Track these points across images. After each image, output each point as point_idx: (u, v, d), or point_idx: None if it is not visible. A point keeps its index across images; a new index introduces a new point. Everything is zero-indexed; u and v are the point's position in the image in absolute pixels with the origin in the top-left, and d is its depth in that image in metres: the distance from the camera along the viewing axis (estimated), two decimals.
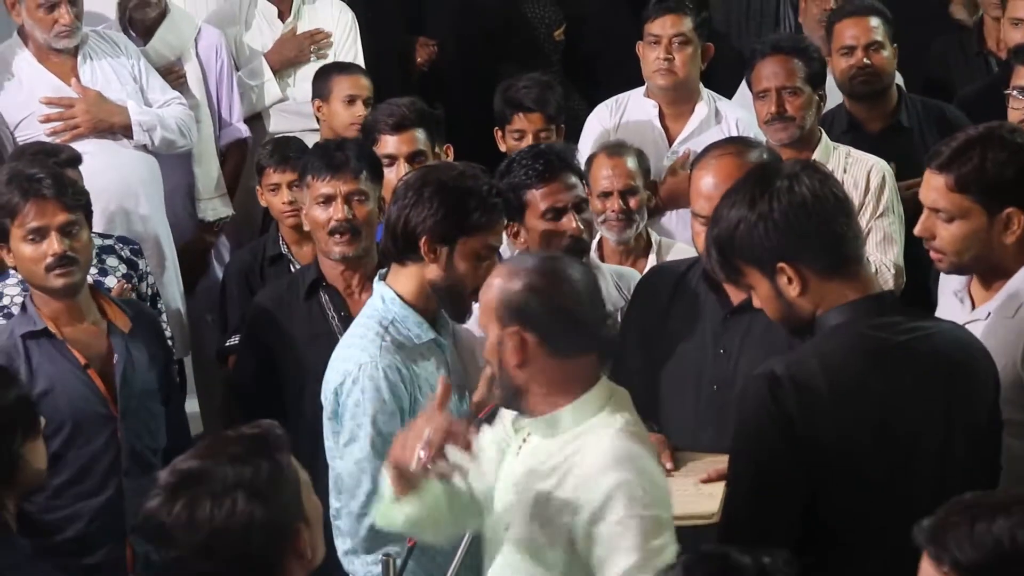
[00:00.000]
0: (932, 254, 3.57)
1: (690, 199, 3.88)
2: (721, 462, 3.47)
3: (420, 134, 4.98)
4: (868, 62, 5.53)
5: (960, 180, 3.45)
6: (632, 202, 4.88)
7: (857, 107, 5.63)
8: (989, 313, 3.52)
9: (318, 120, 5.95)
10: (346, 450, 3.75)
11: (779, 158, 3.89)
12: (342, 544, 3.82)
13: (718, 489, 3.42)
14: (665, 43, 5.53)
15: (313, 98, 5.97)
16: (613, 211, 4.86)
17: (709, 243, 3.25)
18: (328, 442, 3.83)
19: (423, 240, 3.75)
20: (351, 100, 5.83)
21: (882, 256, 4.89)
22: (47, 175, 4.20)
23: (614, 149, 5.00)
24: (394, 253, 3.84)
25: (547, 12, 7.06)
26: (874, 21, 5.59)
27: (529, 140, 5.34)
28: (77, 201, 4.22)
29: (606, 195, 4.88)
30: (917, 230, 3.59)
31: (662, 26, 5.54)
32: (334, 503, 3.82)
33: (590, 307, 3.15)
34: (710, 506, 3.39)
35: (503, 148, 5.46)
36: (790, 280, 3.12)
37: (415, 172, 3.96)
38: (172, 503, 2.65)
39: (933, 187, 3.51)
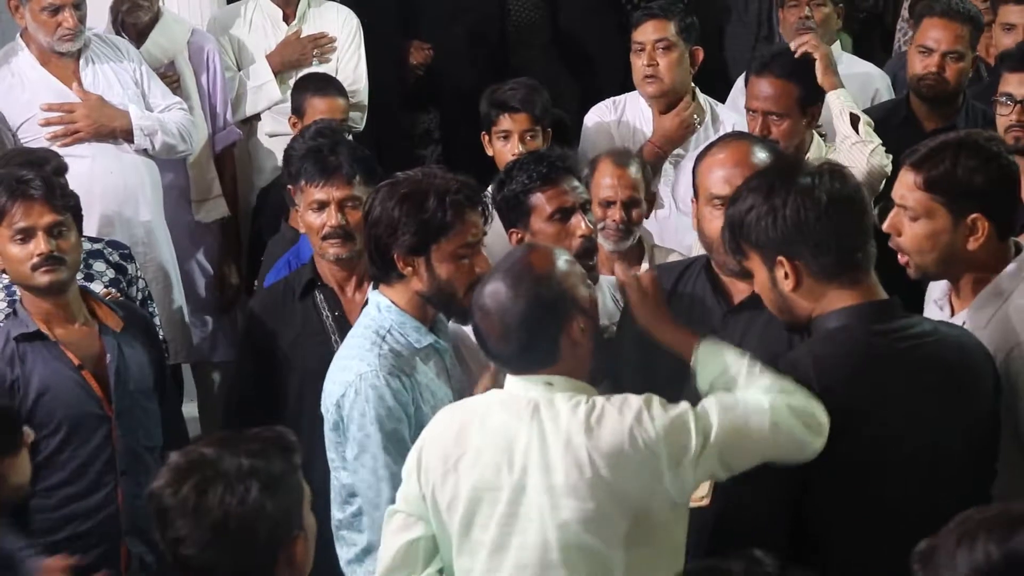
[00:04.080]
0: (899, 257, 3.57)
1: (695, 187, 3.86)
2: None
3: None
4: (941, 70, 5.41)
5: (929, 180, 3.47)
6: (634, 214, 4.81)
7: (919, 105, 5.52)
8: (964, 323, 3.53)
9: None
10: (357, 463, 3.68)
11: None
12: (345, 553, 3.80)
13: None
14: (648, 49, 5.46)
15: (291, 113, 5.96)
16: (614, 221, 4.78)
17: (725, 219, 3.34)
18: (331, 453, 3.78)
19: (396, 256, 3.71)
20: None
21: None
22: (35, 176, 4.20)
23: (621, 158, 4.90)
24: (378, 276, 3.80)
25: (536, 15, 7.06)
26: (962, 29, 5.44)
27: (515, 141, 5.29)
28: (65, 202, 4.22)
29: (609, 204, 4.80)
30: (885, 225, 3.58)
31: (644, 32, 5.49)
32: (337, 514, 3.80)
33: None
34: (700, 488, 3.35)
35: (489, 152, 5.41)
36: (786, 275, 3.18)
37: (377, 190, 3.86)
38: (179, 484, 2.63)
39: (903, 183, 3.53)
